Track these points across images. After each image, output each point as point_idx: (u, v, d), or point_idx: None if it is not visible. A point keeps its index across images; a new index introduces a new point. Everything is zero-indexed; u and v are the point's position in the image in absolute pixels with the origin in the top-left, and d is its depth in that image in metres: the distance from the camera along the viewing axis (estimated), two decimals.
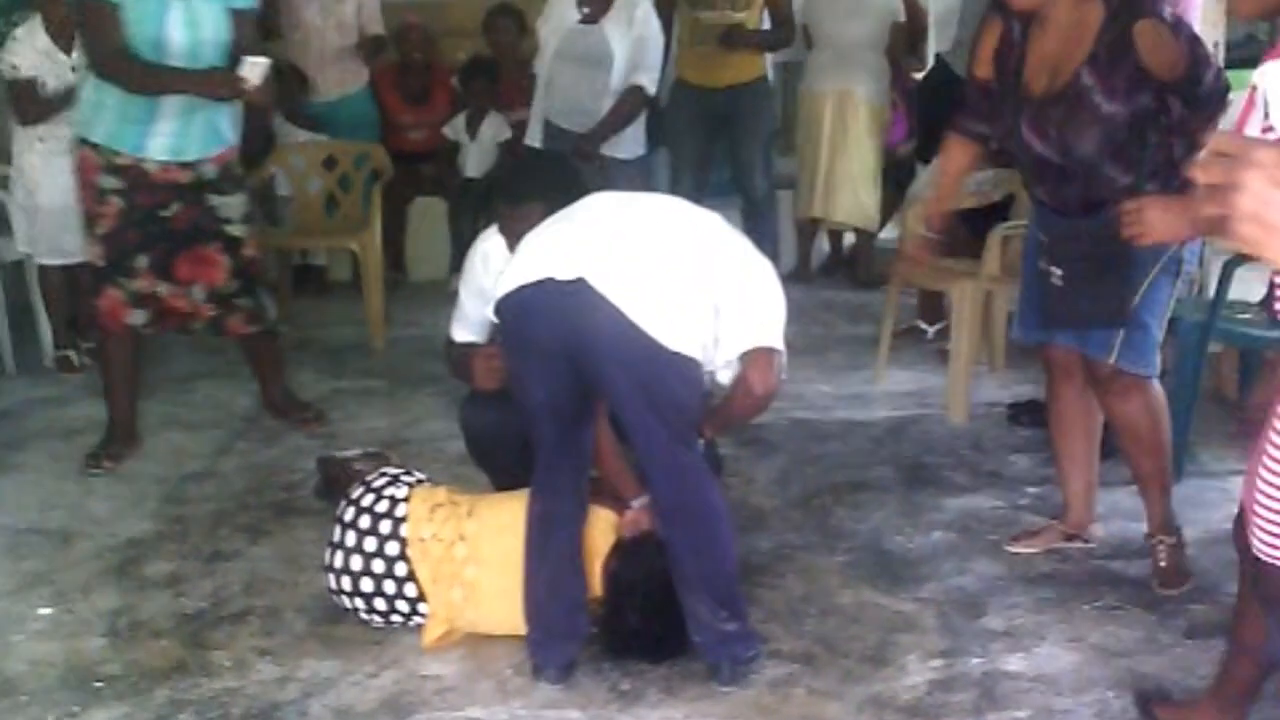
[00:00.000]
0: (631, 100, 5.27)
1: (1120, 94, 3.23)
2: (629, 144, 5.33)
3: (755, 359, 3.02)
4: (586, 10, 5.17)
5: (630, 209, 3.13)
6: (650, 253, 2.96)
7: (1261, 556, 2.32)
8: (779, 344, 3.05)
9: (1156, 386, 3.53)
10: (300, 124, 6.68)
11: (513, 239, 3.27)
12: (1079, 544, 3.79)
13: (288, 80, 6.64)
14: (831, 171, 6.67)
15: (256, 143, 6.46)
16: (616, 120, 5.26)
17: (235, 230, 4.49)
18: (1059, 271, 3.42)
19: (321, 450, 4.49)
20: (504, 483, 3.55)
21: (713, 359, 3.01)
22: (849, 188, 6.66)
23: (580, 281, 2.87)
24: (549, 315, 2.92)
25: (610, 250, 2.94)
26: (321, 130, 6.71)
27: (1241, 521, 2.59)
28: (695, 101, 6.35)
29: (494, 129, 6.82)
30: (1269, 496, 2.28)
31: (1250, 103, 2.26)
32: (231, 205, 4.47)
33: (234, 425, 4.99)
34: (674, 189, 6.53)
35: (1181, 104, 3.29)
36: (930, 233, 3.94)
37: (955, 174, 3.88)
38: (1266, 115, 2.21)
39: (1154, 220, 2.36)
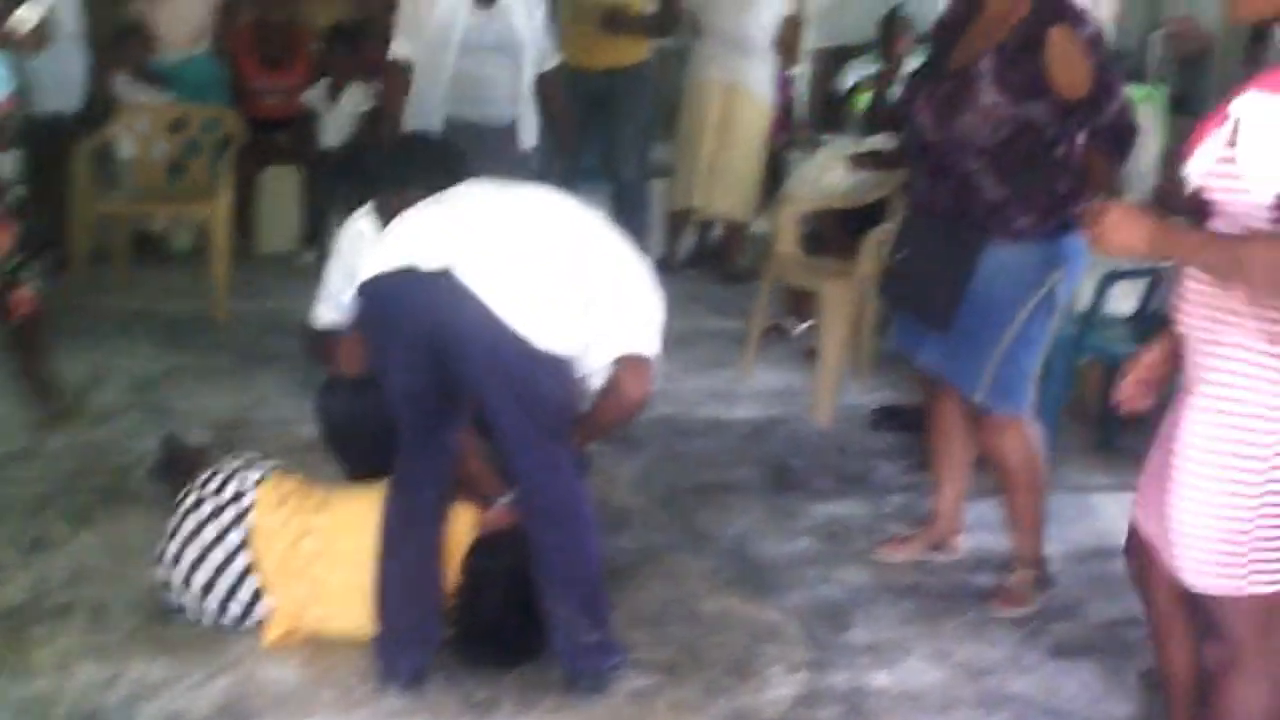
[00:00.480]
0: (559, 82, 5.12)
1: (1010, 91, 3.15)
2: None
3: (629, 364, 2.87)
4: None
5: (506, 200, 2.96)
6: (523, 247, 2.80)
7: (1191, 585, 2.27)
8: (654, 349, 2.91)
9: (1031, 424, 3.47)
10: (146, 82, 6.33)
11: (388, 222, 3.08)
12: (943, 555, 3.74)
13: (133, 36, 6.32)
14: (716, 163, 6.54)
15: (98, 103, 6.14)
16: (568, 107, 5.15)
17: (18, 192, 4.18)
18: (904, 254, 3.45)
19: (159, 430, 4.22)
20: (360, 474, 3.36)
21: (585, 362, 2.86)
22: (731, 180, 6.55)
23: (446, 273, 2.70)
24: (412, 305, 2.75)
25: (480, 241, 2.77)
26: (168, 89, 6.38)
27: (1135, 551, 2.53)
28: (573, 83, 6.16)
29: (355, 99, 6.56)
30: (1184, 522, 2.23)
31: (1215, 122, 2.16)
32: (7, 164, 4.16)
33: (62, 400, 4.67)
34: (544, 171, 6.36)
35: (1088, 136, 3.22)
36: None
37: None
38: (1232, 143, 2.12)
39: (1112, 225, 2.25)
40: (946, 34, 3.39)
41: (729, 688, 3.03)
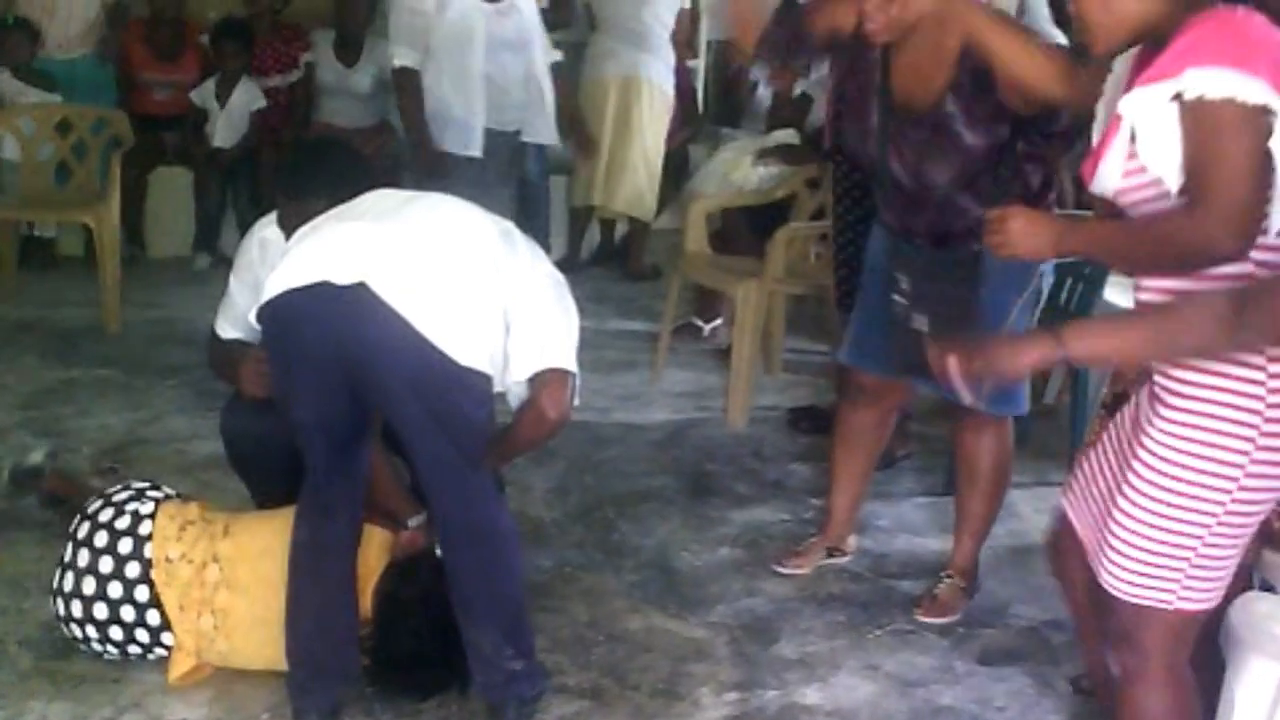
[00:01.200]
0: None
1: (982, 124, 3.04)
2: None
3: (548, 381, 2.74)
4: None
5: (416, 210, 2.83)
6: (439, 258, 2.67)
7: (1115, 592, 2.23)
8: (572, 365, 2.79)
9: (1009, 427, 3.39)
10: (31, 82, 6.08)
11: (292, 233, 2.93)
12: (839, 557, 3.67)
13: (17, 33, 6.07)
14: (614, 160, 6.42)
15: None
16: None
17: None
18: (925, 318, 3.19)
19: (54, 447, 4.03)
20: (267, 497, 3.22)
21: (502, 379, 2.75)
22: (631, 177, 6.44)
23: (361, 286, 2.57)
24: (324, 323, 2.61)
25: (395, 253, 2.64)
26: (54, 90, 6.13)
27: (1057, 545, 2.51)
28: None
29: (246, 96, 6.35)
30: (1128, 530, 2.18)
31: (1113, 133, 2.13)
32: None
33: None
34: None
35: (1039, 136, 3.12)
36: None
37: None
38: (1132, 143, 2.09)
39: (1018, 233, 2.23)
40: (862, 55, 3.26)
41: (658, 711, 2.94)
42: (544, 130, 5.09)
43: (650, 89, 6.37)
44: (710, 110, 7.54)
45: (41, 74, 6.12)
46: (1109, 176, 2.15)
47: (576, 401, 2.81)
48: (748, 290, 4.70)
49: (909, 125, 3.14)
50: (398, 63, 4.69)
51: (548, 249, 6.27)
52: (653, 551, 3.73)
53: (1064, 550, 2.51)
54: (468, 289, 2.66)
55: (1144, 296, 2.22)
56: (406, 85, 4.70)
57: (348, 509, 2.83)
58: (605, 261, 6.93)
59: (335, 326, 2.60)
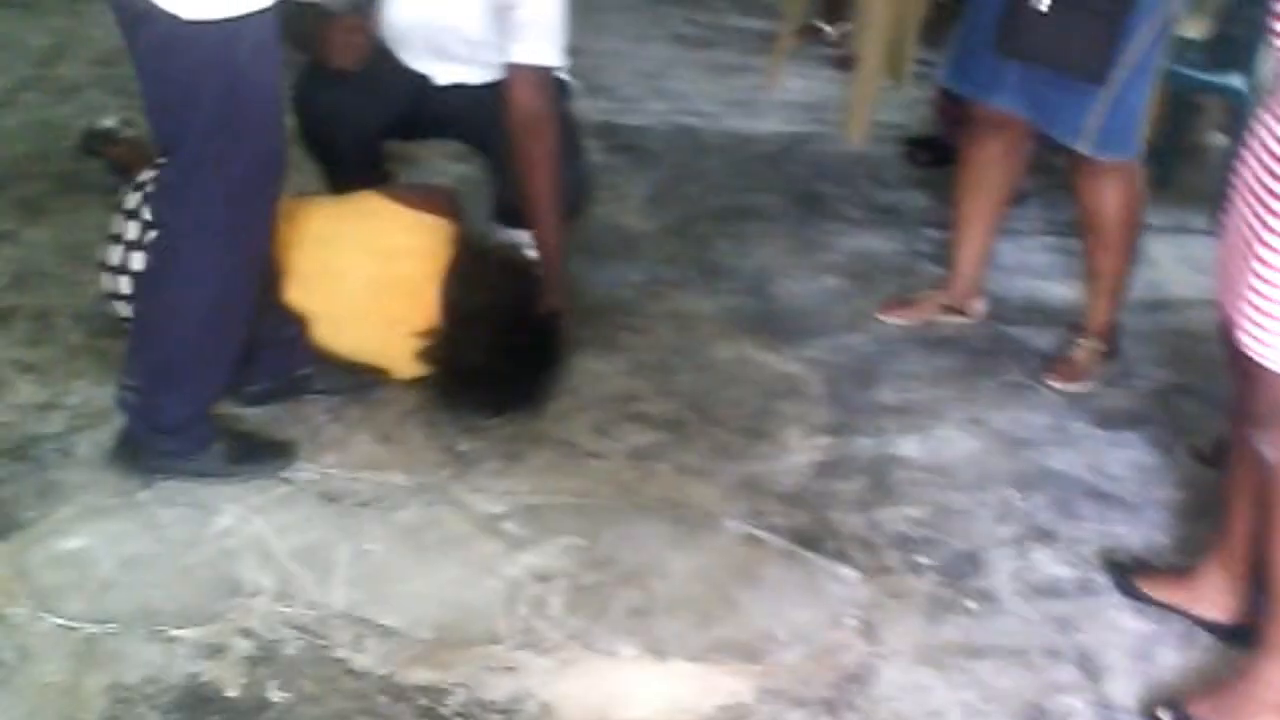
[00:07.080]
0: None
1: None
2: None
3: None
4: None
5: None
6: None
7: (1249, 353, 1.94)
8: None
9: (1137, 171, 2.96)
10: None
11: None
12: (958, 319, 3.31)
13: None
14: None
15: None
16: None
17: None
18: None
19: (128, 114, 3.78)
20: (341, 180, 2.97)
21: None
22: None
23: None
24: None
25: None
26: None
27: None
28: None
29: None
30: (1268, 283, 1.88)
31: None
32: None
33: (23, 70, 4.22)
34: None
35: None
36: None
37: None
38: None
39: None
40: None
41: (741, 451, 2.70)
42: None
43: None
44: None
45: None
46: None
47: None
48: None
49: None
50: None
51: None
52: (751, 274, 3.44)
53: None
54: None
55: None
56: None
57: None
58: None
59: None
